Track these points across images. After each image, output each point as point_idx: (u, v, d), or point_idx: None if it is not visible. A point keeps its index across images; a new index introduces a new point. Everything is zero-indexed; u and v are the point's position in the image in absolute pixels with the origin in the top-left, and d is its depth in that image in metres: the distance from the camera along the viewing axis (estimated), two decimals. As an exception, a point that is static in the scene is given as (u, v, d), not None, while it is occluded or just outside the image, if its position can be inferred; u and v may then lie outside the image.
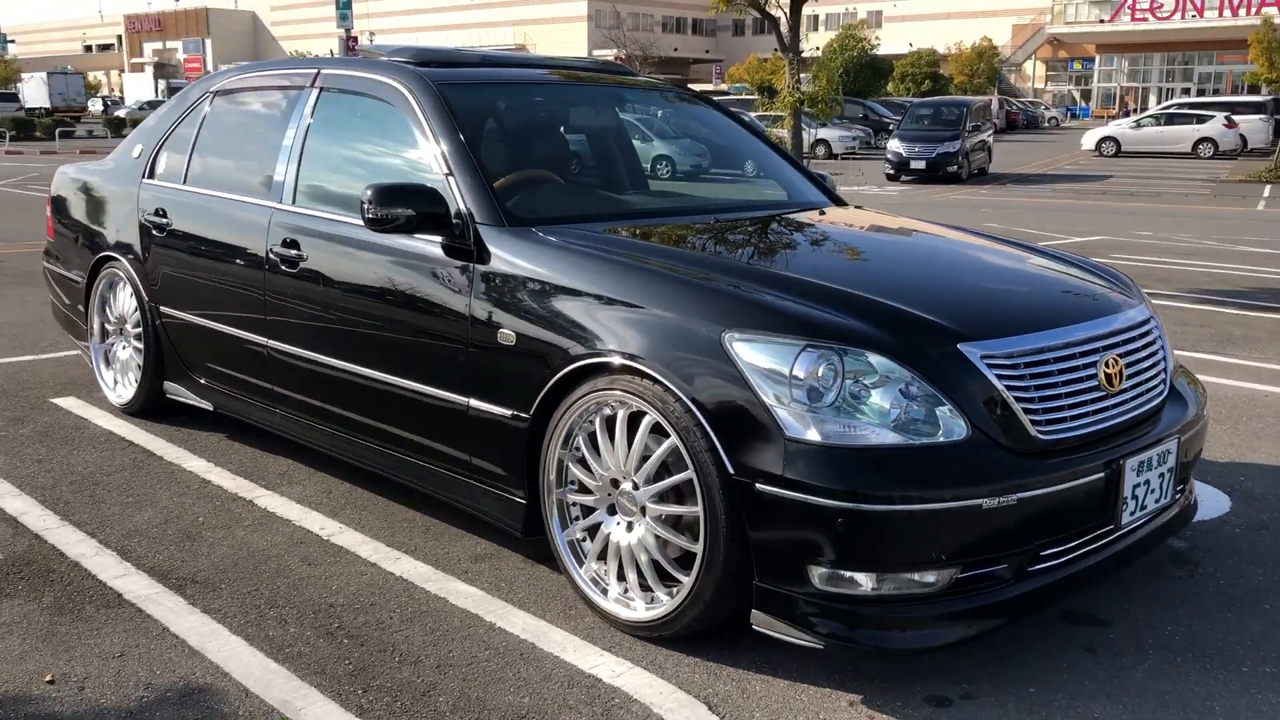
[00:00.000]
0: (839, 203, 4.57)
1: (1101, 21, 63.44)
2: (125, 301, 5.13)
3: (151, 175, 5.00)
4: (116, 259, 5.07)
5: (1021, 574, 2.85)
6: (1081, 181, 24.31)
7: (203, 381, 4.74)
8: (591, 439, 3.14)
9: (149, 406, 5.08)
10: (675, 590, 2.98)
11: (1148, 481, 3.08)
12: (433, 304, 3.53)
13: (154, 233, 4.83)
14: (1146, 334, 3.33)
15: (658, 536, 3.01)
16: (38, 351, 6.49)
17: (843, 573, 2.71)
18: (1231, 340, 7.28)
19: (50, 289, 5.93)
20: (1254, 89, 39.95)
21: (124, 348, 5.23)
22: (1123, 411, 3.08)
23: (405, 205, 3.45)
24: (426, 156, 3.73)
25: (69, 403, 5.41)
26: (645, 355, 2.95)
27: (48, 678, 2.83)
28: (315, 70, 4.37)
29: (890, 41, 64.13)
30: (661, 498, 2.99)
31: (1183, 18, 57.68)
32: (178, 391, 4.92)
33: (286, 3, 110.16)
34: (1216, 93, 54.65)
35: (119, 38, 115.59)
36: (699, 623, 2.95)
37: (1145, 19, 58.98)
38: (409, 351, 3.63)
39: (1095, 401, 3.01)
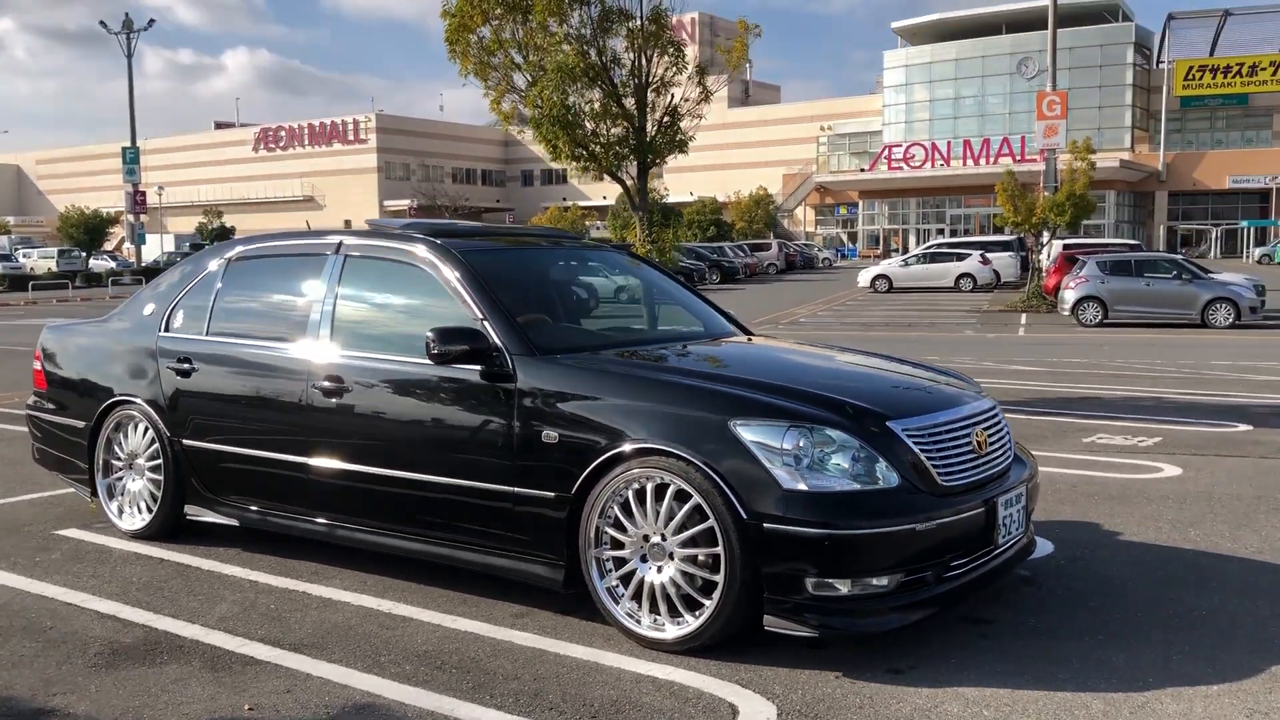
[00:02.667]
0: (748, 332, 5.89)
1: (861, 170, 69.77)
2: (137, 440, 5.89)
3: (168, 329, 5.86)
4: (131, 401, 5.85)
5: (941, 578, 4.14)
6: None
7: (230, 501, 5.55)
8: (624, 507, 4.25)
9: (166, 530, 5.81)
10: (699, 612, 4.09)
11: (1011, 514, 4.44)
12: (478, 418, 4.59)
13: (177, 376, 5.67)
14: (995, 416, 4.75)
15: (684, 573, 4.13)
16: (2, 496, 7.03)
17: (827, 580, 3.91)
18: (1024, 438, 8.90)
19: (36, 435, 6.55)
20: (999, 229, 44.77)
21: (134, 480, 5.96)
22: (990, 467, 4.45)
23: (459, 342, 4.55)
24: (455, 306, 4.82)
25: (74, 533, 6.06)
26: (669, 440, 4.12)
27: (247, 707, 3.68)
28: (337, 240, 5.40)
29: (675, 191, 68.32)
30: (684, 544, 4.12)
31: (932, 166, 64.24)
32: (199, 513, 5.70)
33: (53, 156, 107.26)
34: (967, 233, 60.60)
35: None
36: (720, 634, 4.07)
37: (900, 168, 65.29)
38: (457, 456, 4.65)
39: (973, 460, 4.36)
